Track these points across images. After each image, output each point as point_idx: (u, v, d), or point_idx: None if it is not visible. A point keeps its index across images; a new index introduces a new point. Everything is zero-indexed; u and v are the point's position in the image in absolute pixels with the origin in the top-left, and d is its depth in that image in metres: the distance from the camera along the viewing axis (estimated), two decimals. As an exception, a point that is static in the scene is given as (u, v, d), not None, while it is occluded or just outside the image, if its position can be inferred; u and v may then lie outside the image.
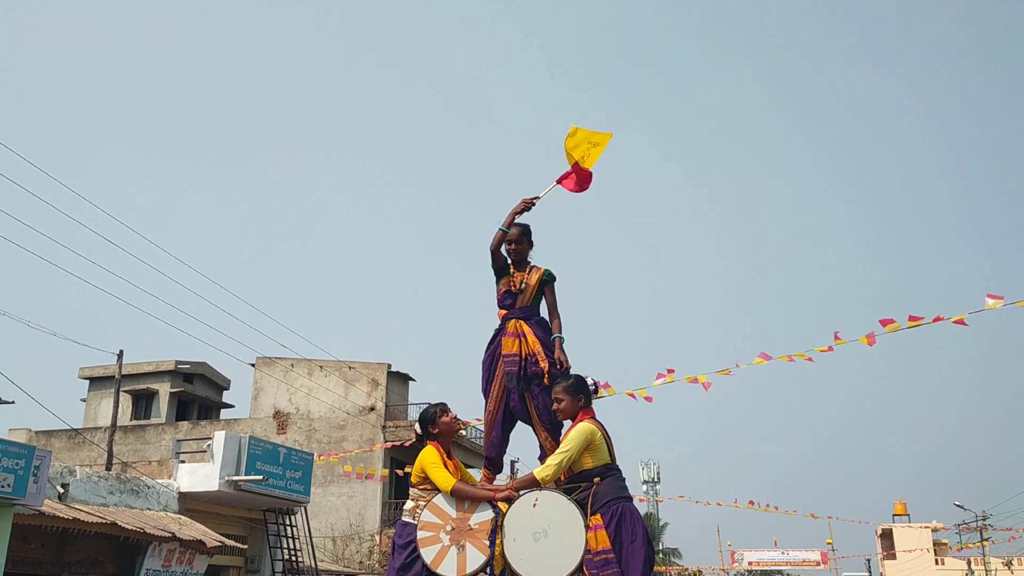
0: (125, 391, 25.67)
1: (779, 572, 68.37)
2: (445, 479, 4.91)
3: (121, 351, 20.57)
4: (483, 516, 4.80)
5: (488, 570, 4.70)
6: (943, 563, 48.93)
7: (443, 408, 5.19)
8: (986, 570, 37.06)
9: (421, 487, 5.06)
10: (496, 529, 4.73)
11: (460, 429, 5.28)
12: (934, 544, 49.83)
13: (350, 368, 29.37)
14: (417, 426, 5.25)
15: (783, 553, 56.03)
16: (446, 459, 5.06)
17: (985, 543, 36.50)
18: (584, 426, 4.70)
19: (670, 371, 11.37)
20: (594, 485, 4.63)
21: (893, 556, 51.12)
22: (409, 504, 5.09)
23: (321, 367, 29.37)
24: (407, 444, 24.23)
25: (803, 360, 11.08)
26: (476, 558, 4.72)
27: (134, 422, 31.02)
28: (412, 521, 4.96)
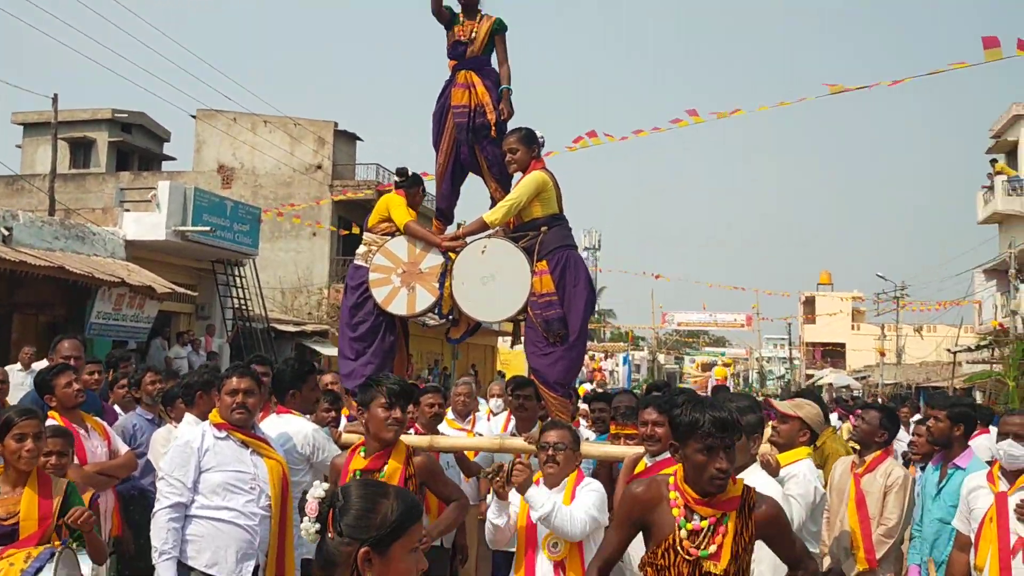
0: (62, 138, 24.73)
1: (705, 332, 72.71)
2: (403, 216, 5.06)
3: (56, 95, 19.74)
4: (433, 261, 4.99)
5: (437, 310, 4.96)
6: (858, 328, 52.43)
7: (418, 181, 5.38)
8: (897, 335, 39.79)
9: (378, 231, 5.19)
10: (446, 273, 4.95)
11: (419, 202, 5.46)
12: (853, 312, 53.08)
13: (295, 124, 28.70)
14: (395, 175, 5.35)
15: (710, 315, 59.32)
16: (408, 208, 5.20)
17: (902, 307, 38.89)
18: (536, 175, 4.78)
19: (590, 134, 11.79)
20: (541, 234, 4.80)
21: (813, 320, 54.52)
22: (362, 248, 5.23)
23: (265, 122, 28.61)
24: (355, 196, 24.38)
25: (741, 117, 11.24)
26: (425, 299, 4.96)
27: (73, 171, 30.32)
28: (364, 264, 5.13)
